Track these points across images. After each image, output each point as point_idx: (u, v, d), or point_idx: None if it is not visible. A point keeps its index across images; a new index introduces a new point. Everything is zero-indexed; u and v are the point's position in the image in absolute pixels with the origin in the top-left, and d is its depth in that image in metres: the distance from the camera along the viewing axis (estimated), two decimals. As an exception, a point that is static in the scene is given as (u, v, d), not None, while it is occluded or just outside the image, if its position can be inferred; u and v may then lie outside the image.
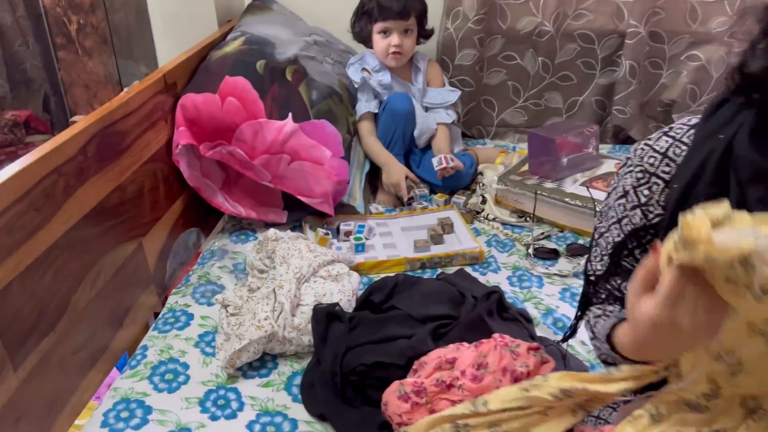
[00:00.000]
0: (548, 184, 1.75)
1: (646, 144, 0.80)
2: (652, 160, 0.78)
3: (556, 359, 1.05)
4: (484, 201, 1.83)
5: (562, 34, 2.14)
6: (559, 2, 2.08)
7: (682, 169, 0.75)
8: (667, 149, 0.77)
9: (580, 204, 1.65)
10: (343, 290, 1.33)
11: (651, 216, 0.80)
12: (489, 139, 2.34)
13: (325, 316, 1.25)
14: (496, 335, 1.05)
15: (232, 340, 1.22)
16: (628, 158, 0.83)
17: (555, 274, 1.55)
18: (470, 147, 2.17)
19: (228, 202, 1.66)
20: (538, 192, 1.70)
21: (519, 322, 1.24)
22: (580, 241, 1.68)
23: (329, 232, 1.62)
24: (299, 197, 1.64)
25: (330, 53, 1.95)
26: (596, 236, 0.88)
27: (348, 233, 1.65)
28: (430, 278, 1.43)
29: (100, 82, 2.01)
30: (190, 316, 1.38)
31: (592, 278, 0.89)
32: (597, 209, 1.61)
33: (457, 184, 1.91)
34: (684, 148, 0.76)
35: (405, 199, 1.82)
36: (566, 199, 1.67)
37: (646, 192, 0.79)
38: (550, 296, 1.47)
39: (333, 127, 1.67)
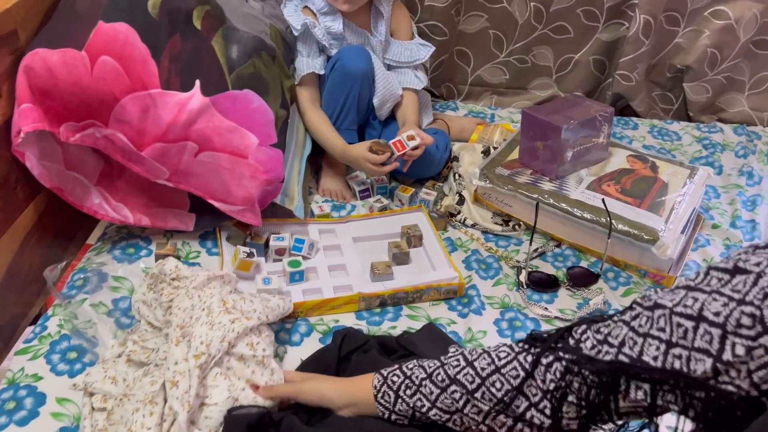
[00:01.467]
0: (546, 185, 1.33)
1: None
2: None
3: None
4: (461, 201, 1.40)
5: (564, -26, 1.68)
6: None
7: None
8: None
9: (590, 218, 1.25)
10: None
11: None
12: (460, 100, 1.88)
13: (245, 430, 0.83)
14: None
15: (96, 467, 0.79)
16: None
17: (556, 318, 1.17)
18: (439, 114, 1.72)
19: (107, 204, 1.17)
20: (540, 201, 1.28)
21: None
22: (584, 263, 1.30)
23: (253, 251, 1.17)
24: (212, 202, 1.16)
25: (259, -15, 1.42)
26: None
27: (281, 251, 1.21)
28: (388, 341, 1.01)
29: None
30: (41, 398, 0.93)
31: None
32: (612, 226, 1.22)
33: (426, 171, 1.47)
34: None
35: (390, 159, 1.33)
36: (573, 210, 1.27)
37: None
38: (552, 354, 1.09)
39: (261, 100, 1.18)
